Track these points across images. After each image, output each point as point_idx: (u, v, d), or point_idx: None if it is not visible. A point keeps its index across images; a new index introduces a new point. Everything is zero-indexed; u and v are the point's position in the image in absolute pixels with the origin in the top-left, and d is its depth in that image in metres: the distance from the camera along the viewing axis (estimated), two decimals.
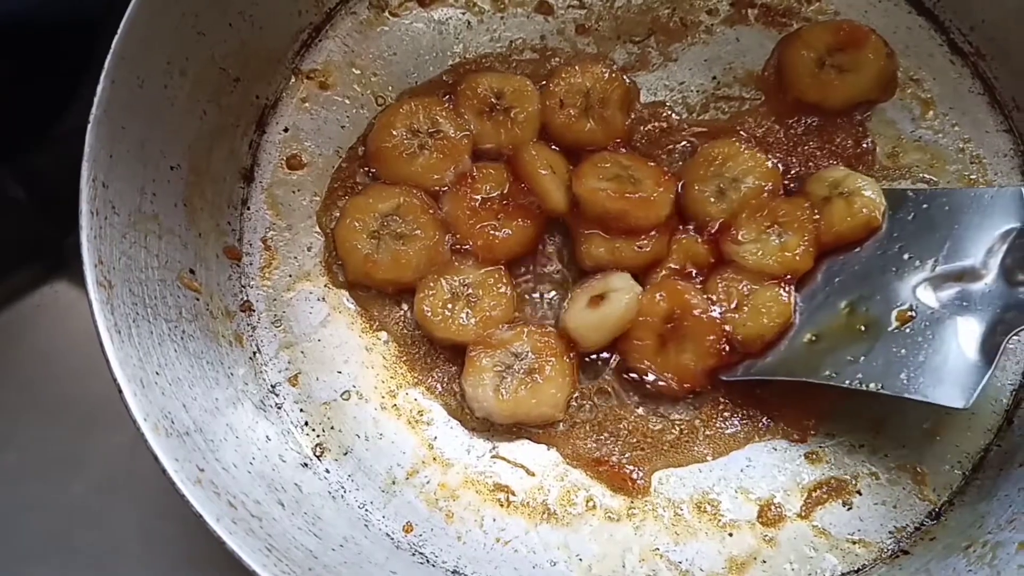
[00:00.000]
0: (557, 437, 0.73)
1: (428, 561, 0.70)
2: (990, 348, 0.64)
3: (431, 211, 0.73)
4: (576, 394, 0.73)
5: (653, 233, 0.71)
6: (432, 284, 0.72)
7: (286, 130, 0.77)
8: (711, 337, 0.69)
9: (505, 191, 0.73)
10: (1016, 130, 0.76)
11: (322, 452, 0.72)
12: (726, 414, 0.73)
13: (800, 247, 0.70)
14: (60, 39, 0.76)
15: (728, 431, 0.73)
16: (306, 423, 0.73)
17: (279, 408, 0.73)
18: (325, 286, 0.76)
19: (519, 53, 0.79)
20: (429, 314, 0.71)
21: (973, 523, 0.68)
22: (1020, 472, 0.69)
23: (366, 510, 0.71)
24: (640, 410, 0.73)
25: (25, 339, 0.82)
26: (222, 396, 0.68)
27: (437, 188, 0.74)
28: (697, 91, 0.78)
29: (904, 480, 0.71)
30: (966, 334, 0.65)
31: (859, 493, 0.71)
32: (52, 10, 0.74)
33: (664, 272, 0.72)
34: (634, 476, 0.71)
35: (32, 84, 0.78)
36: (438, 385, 0.74)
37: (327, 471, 0.72)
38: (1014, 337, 0.65)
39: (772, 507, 0.71)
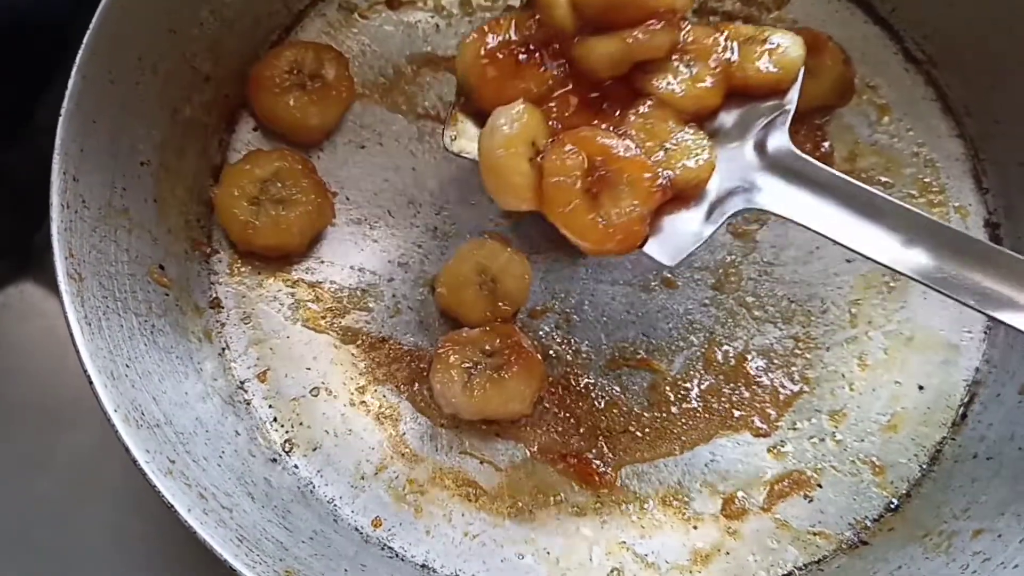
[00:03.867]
0: (524, 433, 0.73)
1: (397, 555, 0.70)
2: (714, 217, 0.61)
3: (312, 174, 0.75)
4: (544, 391, 0.74)
5: (660, 22, 0.59)
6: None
7: (255, 129, 0.78)
8: (647, 175, 0.58)
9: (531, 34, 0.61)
10: (967, 135, 0.78)
11: (291, 448, 0.72)
12: (693, 409, 0.74)
13: (709, 79, 0.61)
14: (28, 37, 0.75)
15: (694, 426, 0.74)
16: (275, 419, 0.73)
17: (248, 404, 0.73)
18: (295, 283, 0.76)
19: None
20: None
21: (930, 513, 0.70)
22: (974, 464, 0.71)
23: (335, 505, 0.71)
24: (607, 406, 0.74)
25: None
26: (192, 391, 0.68)
27: (308, 138, 0.77)
28: None
29: (864, 473, 0.73)
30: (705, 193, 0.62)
31: (820, 486, 0.72)
32: (21, 7, 0.74)
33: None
34: (601, 471, 0.72)
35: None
36: (406, 382, 0.74)
37: (296, 466, 0.72)
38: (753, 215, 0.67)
39: (736, 500, 0.72)
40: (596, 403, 0.74)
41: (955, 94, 0.79)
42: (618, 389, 0.74)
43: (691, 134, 0.60)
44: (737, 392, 0.75)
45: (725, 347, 0.76)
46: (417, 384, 0.74)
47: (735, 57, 0.62)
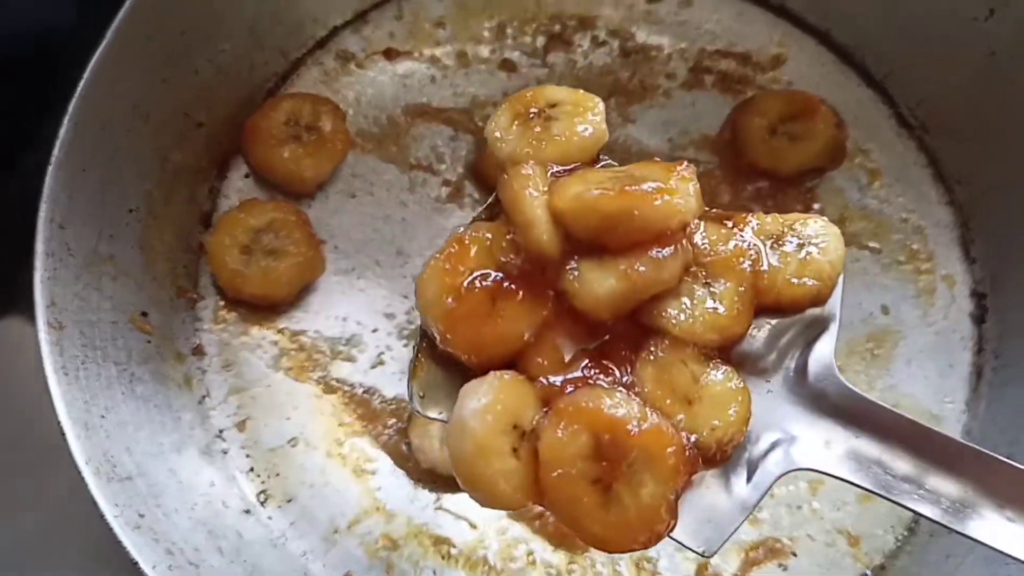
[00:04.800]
0: None
1: None
2: (757, 480, 0.47)
3: (305, 227, 0.75)
4: None
5: (670, 246, 0.44)
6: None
7: (247, 176, 0.78)
8: (670, 449, 0.43)
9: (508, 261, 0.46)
10: (958, 202, 0.79)
11: (266, 499, 0.72)
12: None
13: (735, 302, 0.46)
14: (19, 74, 0.76)
15: None
16: (251, 469, 0.72)
17: (225, 453, 0.73)
18: (279, 331, 0.76)
19: (481, 109, 0.81)
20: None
21: None
22: (949, 539, 0.70)
23: (307, 558, 0.71)
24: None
25: None
26: (167, 440, 0.68)
27: (302, 189, 0.77)
28: (654, 152, 0.80)
29: (839, 542, 0.72)
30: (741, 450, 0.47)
31: (794, 555, 0.71)
32: (11, 43, 0.75)
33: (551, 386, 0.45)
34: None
35: None
36: (385, 435, 0.74)
37: (270, 518, 0.71)
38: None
39: (709, 567, 0.71)
40: None
41: (947, 161, 0.79)
42: None
43: (718, 376, 0.46)
44: None
45: None
46: (396, 437, 0.74)
47: (765, 267, 0.48)
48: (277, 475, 0.73)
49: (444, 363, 0.47)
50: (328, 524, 0.72)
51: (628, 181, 0.43)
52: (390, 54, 0.82)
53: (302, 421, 0.74)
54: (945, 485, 0.44)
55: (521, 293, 0.44)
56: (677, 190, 0.43)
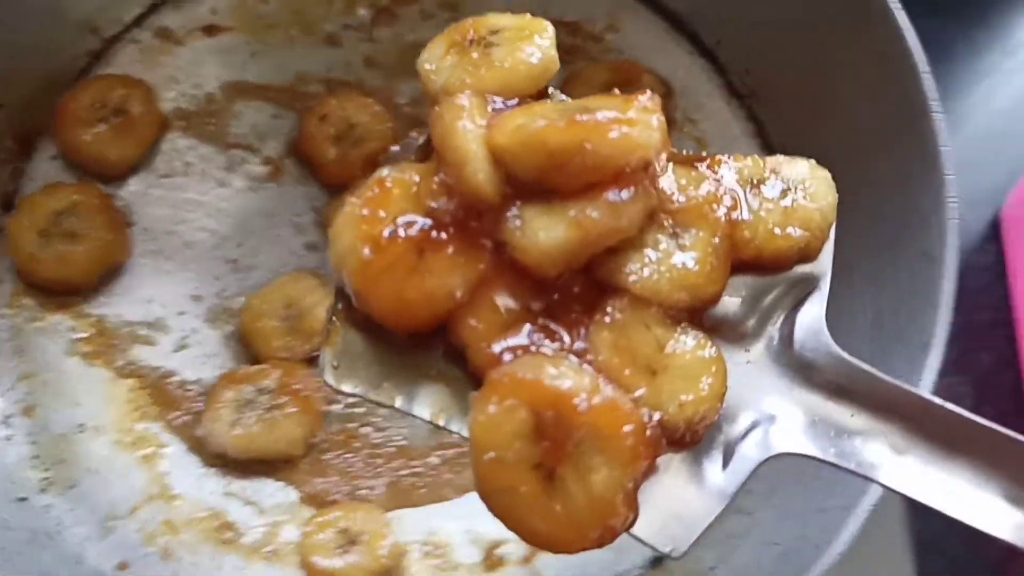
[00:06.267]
0: (298, 476, 0.70)
1: None
2: (736, 469, 0.39)
3: (109, 210, 0.72)
4: (321, 435, 0.70)
5: (629, 188, 0.36)
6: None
7: (55, 158, 0.76)
8: (626, 428, 0.35)
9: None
10: None
11: (48, 486, 0.67)
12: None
13: (708, 257, 0.38)
14: None
15: (468, 473, 0.70)
16: (36, 456, 0.68)
17: (9, 440, 0.69)
18: (80, 316, 0.73)
19: (304, 84, 0.78)
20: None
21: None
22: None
23: (83, 546, 0.67)
24: (385, 452, 0.71)
25: None
26: None
27: (109, 171, 0.75)
28: None
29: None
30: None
31: None
32: None
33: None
34: None
35: None
36: (181, 420, 0.70)
37: (48, 506, 0.67)
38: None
39: (497, 551, 0.69)
40: (375, 450, 0.71)
41: (773, 131, 0.78)
42: (405, 438, 0.71)
43: (688, 343, 0.38)
44: None
45: None
46: (191, 420, 0.70)
47: (744, 215, 0.40)
48: (63, 462, 0.68)
49: (364, 328, 0.39)
50: (108, 511, 0.68)
51: (580, 111, 0.36)
52: (211, 30, 0.79)
53: (94, 406, 0.70)
54: (964, 472, 0.36)
55: (453, 244, 0.37)
56: (638, 121, 0.36)
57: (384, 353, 0.38)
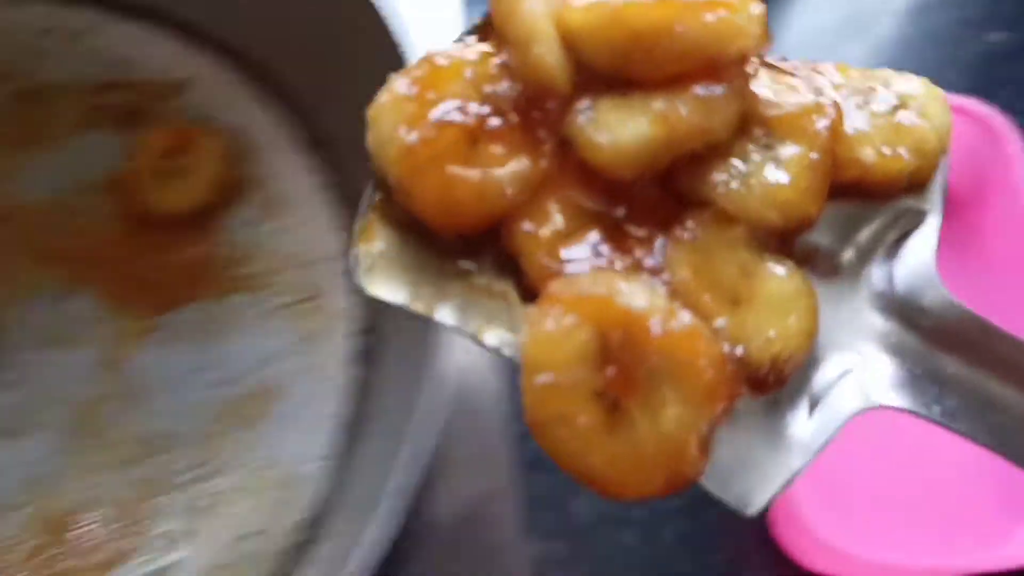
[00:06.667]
0: None
1: None
2: (824, 421, 0.34)
3: None
4: None
5: (724, 83, 0.31)
6: None
7: None
8: (703, 362, 0.29)
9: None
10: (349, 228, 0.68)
11: None
12: None
13: (805, 172, 0.32)
14: None
15: None
16: None
17: None
18: None
19: None
20: None
21: None
22: None
23: None
24: None
25: None
26: None
27: None
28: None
29: None
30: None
31: None
32: None
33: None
34: None
35: None
36: None
37: None
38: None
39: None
40: None
41: (346, 184, 0.70)
42: None
43: (777, 271, 0.32)
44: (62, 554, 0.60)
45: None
46: None
47: (849, 130, 0.34)
48: None
49: (405, 226, 0.33)
50: None
51: None
52: None
53: None
54: None
55: (511, 135, 0.31)
56: (738, 5, 0.31)
57: (426, 256, 0.33)
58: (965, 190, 0.74)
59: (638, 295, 0.30)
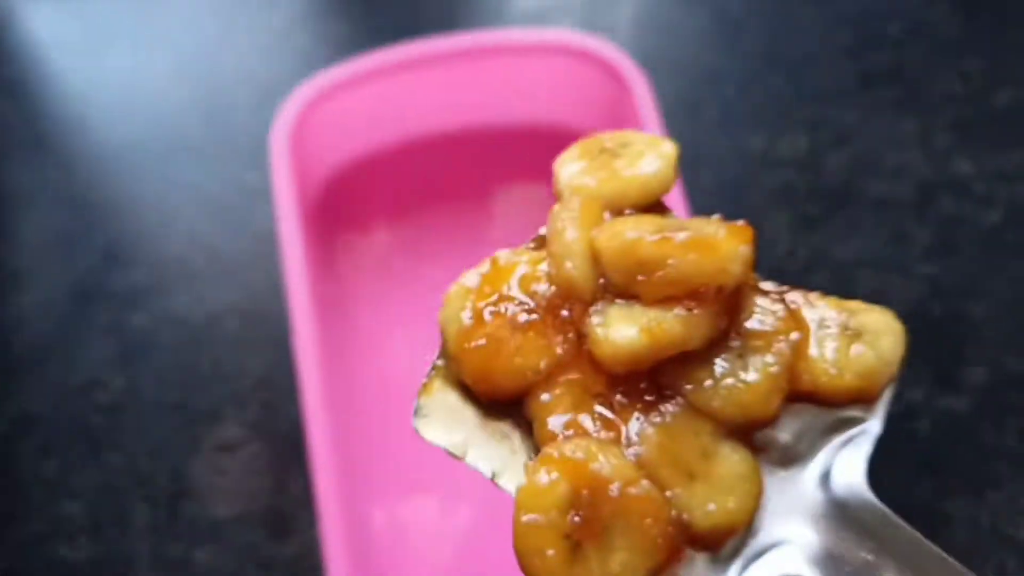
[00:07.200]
0: None
1: None
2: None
3: None
4: None
5: (704, 307, 0.40)
6: None
7: None
8: (648, 520, 0.39)
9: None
10: None
11: None
12: None
13: (766, 381, 0.41)
14: None
15: None
16: None
17: None
18: None
19: None
20: None
21: None
22: None
23: None
24: None
25: None
26: None
27: None
28: None
29: None
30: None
31: None
32: None
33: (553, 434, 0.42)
34: None
35: None
36: None
37: None
38: None
39: None
40: None
41: None
42: None
43: (731, 457, 0.41)
44: None
45: None
46: None
47: (810, 351, 0.42)
48: None
49: (455, 386, 0.45)
50: None
51: (675, 229, 0.41)
52: None
53: None
54: None
55: (543, 328, 0.42)
56: (723, 249, 0.40)
57: (466, 412, 0.44)
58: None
59: (606, 464, 0.39)
